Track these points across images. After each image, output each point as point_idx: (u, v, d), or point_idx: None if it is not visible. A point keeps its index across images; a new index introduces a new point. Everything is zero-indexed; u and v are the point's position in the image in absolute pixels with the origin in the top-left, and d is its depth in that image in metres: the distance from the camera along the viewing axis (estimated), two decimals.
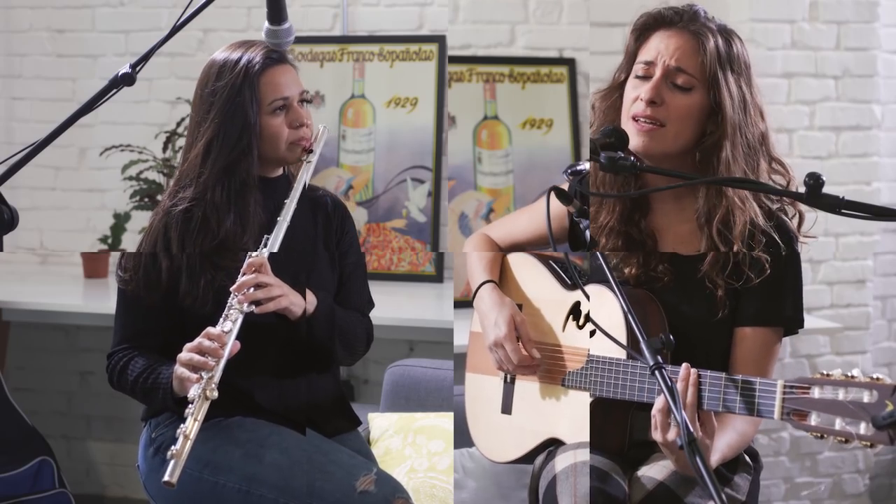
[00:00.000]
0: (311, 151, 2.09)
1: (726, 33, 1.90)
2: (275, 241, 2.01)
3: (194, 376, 1.89)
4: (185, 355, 1.91)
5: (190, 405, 1.86)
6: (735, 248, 1.86)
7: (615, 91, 1.96)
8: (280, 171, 2.15)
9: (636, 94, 1.89)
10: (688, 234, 1.94)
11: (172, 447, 1.81)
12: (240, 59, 2.05)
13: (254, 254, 2.01)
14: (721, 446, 1.84)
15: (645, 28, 1.93)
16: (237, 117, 2.02)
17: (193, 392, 1.87)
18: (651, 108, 1.86)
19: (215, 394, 1.87)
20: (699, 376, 1.69)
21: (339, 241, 2.19)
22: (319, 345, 2.09)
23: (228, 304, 1.96)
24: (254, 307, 1.96)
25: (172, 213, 2.06)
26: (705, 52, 1.86)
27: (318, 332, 2.07)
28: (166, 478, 1.79)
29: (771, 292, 1.89)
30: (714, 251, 1.88)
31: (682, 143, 1.89)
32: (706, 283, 1.89)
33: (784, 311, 1.92)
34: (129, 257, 2.10)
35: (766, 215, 1.89)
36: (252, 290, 1.97)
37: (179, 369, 1.91)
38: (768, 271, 1.86)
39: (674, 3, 1.96)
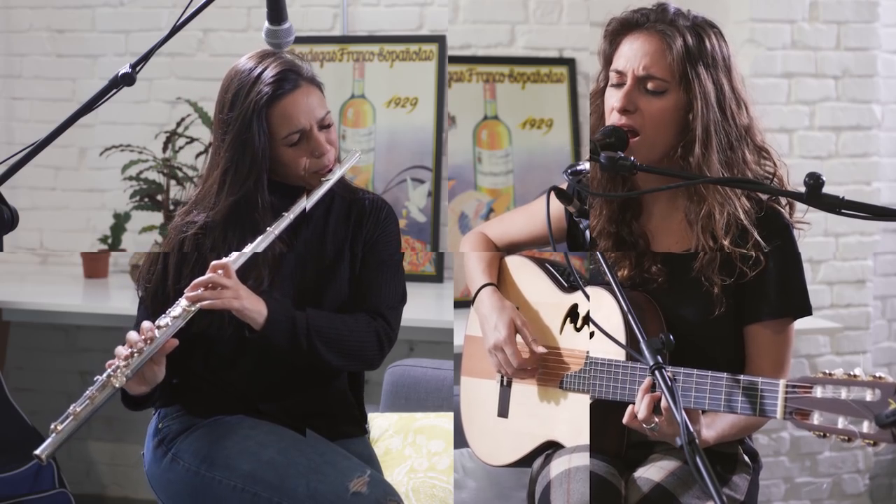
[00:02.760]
0: (330, 171, 2.07)
1: (699, 28, 1.87)
2: (252, 248, 1.98)
3: (113, 363, 1.86)
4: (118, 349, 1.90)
5: (91, 386, 1.84)
6: (722, 244, 1.85)
7: (597, 97, 1.97)
8: None
9: (612, 103, 1.88)
10: (680, 233, 1.94)
11: (53, 423, 1.80)
12: (252, 85, 1.99)
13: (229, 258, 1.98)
14: (722, 424, 1.84)
15: (615, 34, 1.92)
16: (247, 152, 1.99)
17: (101, 376, 1.85)
18: (625, 117, 1.86)
19: (121, 381, 1.83)
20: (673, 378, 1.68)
21: (366, 241, 2.13)
22: (285, 354, 2.01)
23: (177, 303, 1.94)
24: (199, 306, 1.92)
25: (185, 235, 2.05)
26: (672, 53, 1.84)
27: (275, 341, 1.99)
28: (37, 451, 1.77)
29: (773, 285, 1.88)
30: (703, 248, 1.87)
31: (662, 147, 1.88)
32: (701, 281, 1.88)
33: (791, 300, 1.90)
34: (145, 269, 2.09)
35: (757, 206, 1.88)
36: (202, 290, 1.93)
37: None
38: (762, 264, 1.85)
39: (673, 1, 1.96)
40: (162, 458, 2.07)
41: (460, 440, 2.24)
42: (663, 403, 1.67)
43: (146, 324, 1.89)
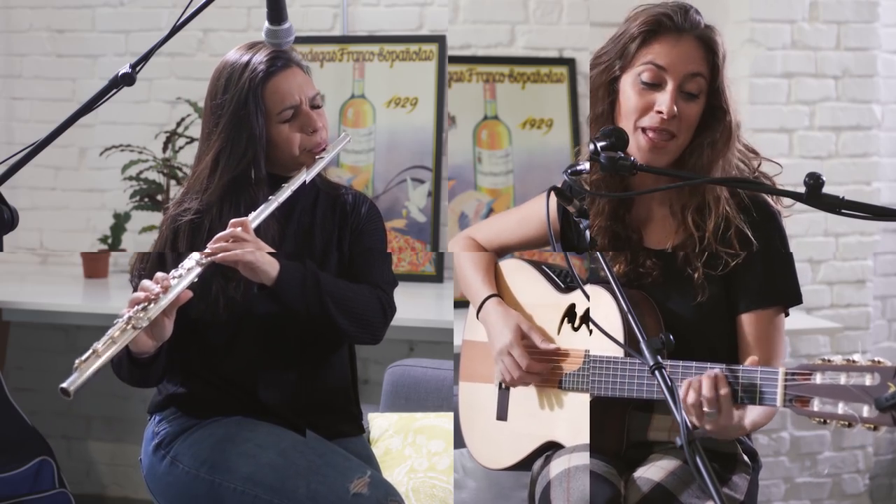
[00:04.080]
0: (323, 150, 2.09)
1: (715, 33, 1.91)
2: (254, 216, 1.98)
3: (130, 310, 1.85)
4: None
5: (112, 326, 1.83)
6: (713, 234, 1.87)
7: (608, 86, 1.93)
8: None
9: (645, 103, 1.87)
10: (672, 226, 1.95)
11: (77, 358, 1.79)
12: (244, 68, 2.03)
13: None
14: (753, 412, 1.83)
15: (650, 33, 1.90)
16: (243, 130, 2.02)
17: (121, 318, 1.83)
18: (669, 122, 1.86)
19: (143, 323, 1.82)
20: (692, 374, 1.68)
21: (352, 232, 2.15)
22: (296, 312, 2.01)
23: (189, 256, 1.94)
24: (211, 259, 1.92)
25: (180, 223, 2.06)
26: (718, 58, 1.87)
27: (287, 296, 1.99)
28: (63, 384, 1.76)
29: (763, 274, 1.89)
30: (695, 239, 1.89)
31: (683, 149, 1.91)
32: (693, 273, 1.89)
33: (780, 289, 1.92)
34: (138, 260, 2.09)
35: (742, 197, 1.90)
36: (223, 243, 1.93)
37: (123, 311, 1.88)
38: (752, 254, 1.86)
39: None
40: (161, 460, 2.06)
41: (460, 440, 2.24)
42: (722, 392, 1.66)
43: (160, 274, 1.89)
